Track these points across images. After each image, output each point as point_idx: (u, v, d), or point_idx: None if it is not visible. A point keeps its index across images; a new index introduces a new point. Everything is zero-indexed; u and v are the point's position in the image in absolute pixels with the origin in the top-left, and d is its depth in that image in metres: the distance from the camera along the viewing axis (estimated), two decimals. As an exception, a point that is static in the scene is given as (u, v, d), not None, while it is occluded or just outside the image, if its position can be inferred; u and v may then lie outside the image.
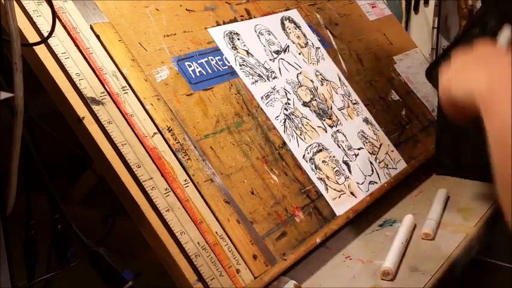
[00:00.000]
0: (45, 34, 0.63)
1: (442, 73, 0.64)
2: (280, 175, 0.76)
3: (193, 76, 0.75)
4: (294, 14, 0.96)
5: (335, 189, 0.80)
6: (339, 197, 0.80)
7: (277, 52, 0.88)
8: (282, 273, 0.68)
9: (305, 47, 0.93)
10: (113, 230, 0.66)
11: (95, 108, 0.63)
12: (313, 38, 0.95)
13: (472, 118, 0.74)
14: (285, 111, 0.82)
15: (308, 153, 0.81)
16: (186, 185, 0.65)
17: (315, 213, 0.76)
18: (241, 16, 0.87)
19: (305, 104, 0.85)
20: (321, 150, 0.82)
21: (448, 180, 0.94)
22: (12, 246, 0.53)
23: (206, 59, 0.78)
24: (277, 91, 0.83)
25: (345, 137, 0.87)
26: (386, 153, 0.92)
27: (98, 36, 0.68)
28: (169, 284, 0.62)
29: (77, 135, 0.63)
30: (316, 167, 0.80)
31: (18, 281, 0.58)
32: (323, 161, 0.81)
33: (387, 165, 0.90)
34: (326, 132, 0.85)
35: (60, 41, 0.65)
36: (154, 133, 0.66)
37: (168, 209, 0.62)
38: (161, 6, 0.78)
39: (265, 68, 0.84)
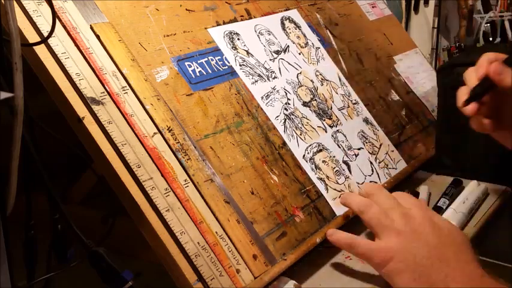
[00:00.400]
0: (45, 34, 0.63)
1: (399, 276, 0.64)
2: (280, 175, 0.76)
3: (193, 76, 0.76)
4: (294, 14, 0.96)
5: (335, 189, 0.80)
6: (339, 197, 0.80)
7: (277, 52, 0.88)
8: (282, 273, 0.68)
9: (305, 47, 0.93)
10: (113, 230, 0.66)
11: (95, 108, 0.63)
12: (313, 38, 0.95)
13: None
14: (285, 111, 0.82)
15: (308, 153, 0.81)
16: (186, 185, 0.65)
17: (315, 213, 0.76)
18: (241, 16, 0.87)
19: (305, 104, 0.85)
20: (321, 150, 0.82)
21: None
22: (12, 246, 0.53)
23: (206, 59, 0.78)
24: (277, 91, 0.83)
25: (345, 137, 0.87)
26: (387, 153, 0.92)
27: (98, 36, 0.68)
28: (169, 284, 0.62)
29: (77, 135, 0.63)
30: (316, 167, 0.80)
31: (18, 281, 0.58)
32: (323, 161, 0.82)
33: (387, 165, 0.90)
34: (326, 132, 0.85)
35: (60, 41, 0.65)
36: (154, 133, 0.66)
37: (168, 209, 0.62)
38: (161, 6, 0.78)
39: (265, 68, 0.84)
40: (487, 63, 0.72)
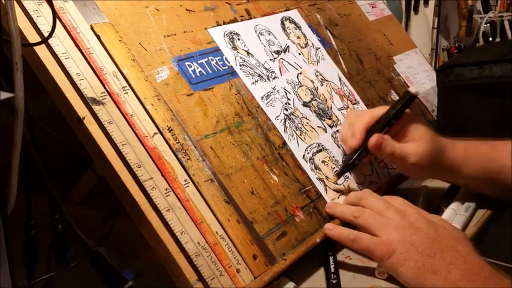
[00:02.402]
0: (46, 34, 0.63)
1: (404, 266, 0.66)
2: (280, 175, 0.76)
3: (194, 76, 0.76)
4: (294, 14, 0.96)
5: (334, 190, 0.80)
6: (338, 197, 0.80)
7: (278, 52, 0.88)
8: (282, 273, 0.68)
9: (305, 47, 0.93)
10: (113, 230, 0.66)
11: (95, 108, 0.63)
12: (313, 39, 0.95)
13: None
14: (285, 111, 0.82)
15: (308, 153, 0.81)
16: (186, 185, 0.65)
17: (315, 213, 0.76)
18: (242, 16, 0.87)
19: (305, 104, 0.85)
20: (320, 151, 0.82)
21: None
22: (12, 246, 0.53)
23: (206, 59, 0.79)
24: (278, 91, 0.83)
25: (345, 137, 0.87)
26: (386, 153, 0.92)
27: (98, 36, 0.68)
28: (169, 284, 0.62)
29: (77, 135, 0.63)
30: (316, 167, 0.80)
31: (18, 281, 0.58)
32: (323, 161, 0.82)
33: (387, 165, 0.90)
34: (326, 132, 0.85)
35: (60, 41, 0.65)
36: (155, 133, 0.66)
37: (168, 209, 0.62)
38: (161, 6, 0.78)
39: (266, 68, 0.84)
40: (360, 135, 0.80)
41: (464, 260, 0.65)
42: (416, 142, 0.79)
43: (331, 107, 0.89)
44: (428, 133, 0.80)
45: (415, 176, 0.88)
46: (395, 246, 0.67)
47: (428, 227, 0.68)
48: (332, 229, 0.73)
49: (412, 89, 0.82)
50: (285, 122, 0.81)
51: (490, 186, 0.82)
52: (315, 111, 0.86)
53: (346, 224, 0.75)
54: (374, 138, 0.78)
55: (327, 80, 0.92)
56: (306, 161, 0.80)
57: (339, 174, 0.82)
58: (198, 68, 0.77)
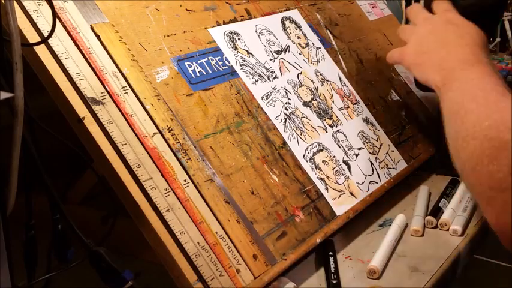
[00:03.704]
0: (46, 34, 0.63)
1: (404, 54, 0.82)
2: (280, 175, 0.76)
3: (194, 76, 0.76)
4: (294, 14, 0.96)
5: (335, 189, 0.80)
6: (339, 197, 0.80)
7: (278, 52, 0.88)
8: (282, 273, 0.68)
9: (305, 47, 0.93)
10: (112, 230, 0.66)
11: (95, 108, 0.63)
12: (313, 38, 0.95)
13: None
14: (285, 111, 0.82)
15: (308, 153, 0.81)
16: (186, 185, 0.65)
17: (315, 213, 0.76)
18: (242, 16, 0.87)
19: (305, 104, 0.85)
20: (321, 150, 0.82)
21: (448, 180, 0.94)
22: (12, 246, 0.53)
23: (206, 59, 0.78)
24: (278, 91, 0.83)
25: (345, 137, 0.87)
26: (387, 153, 0.92)
27: (98, 36, 0.68)
28: (169, 284, 0.62)
29: (77, 135, 0.63)
30: (316, 167, 0.80)
31: (18, 281, 0.58)
32: (323, 161, 0.81)
33: (387, 165, 0.90)
34: (326, 132, 0.85)
35: (60, 41, 0.65)
36: (155, 133, 0.66)
37: (168, 209, 0.62)
38: (161, 6, 0.78)
39: (266, 68, 0.84)
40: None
41: (456, 55, 0.72)
42: None
43: (332, 107, 0.89)
44: None
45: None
46: (409, 42, 0.82)
47: (441, 25, 0.79)
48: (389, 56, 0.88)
49: None
50: (285, 121, 0.81)
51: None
52: (315, 111, 0.86)
53: None
54: None
55: (327, 80, 0.92)
56: (307, 161, 0.80)
57: None
58: (198, 68, 0.77)
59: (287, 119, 0.81)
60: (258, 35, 0.87)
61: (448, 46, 0.74)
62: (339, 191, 0.80)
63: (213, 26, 0.83)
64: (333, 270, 0.71)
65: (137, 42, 0.72)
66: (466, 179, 0.61)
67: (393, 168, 0.90)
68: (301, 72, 0.89)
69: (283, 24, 0.92)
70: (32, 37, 0.63)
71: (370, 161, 0.88)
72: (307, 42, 0.94)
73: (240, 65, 0.81)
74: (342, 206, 0.79)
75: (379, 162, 0.89)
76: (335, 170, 0.82)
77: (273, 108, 0.81)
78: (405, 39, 0.84)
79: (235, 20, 0.86)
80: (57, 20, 0.65)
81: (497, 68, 1.09)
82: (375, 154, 0.89)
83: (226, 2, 0.87)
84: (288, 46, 0.90)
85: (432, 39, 0.78)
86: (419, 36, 0.81)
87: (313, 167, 0.80)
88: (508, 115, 0.57)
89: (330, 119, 0.87)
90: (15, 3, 0.57)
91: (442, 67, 0.72)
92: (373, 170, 0.87)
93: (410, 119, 1.02)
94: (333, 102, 0.90)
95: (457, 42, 0.74)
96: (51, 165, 0.62)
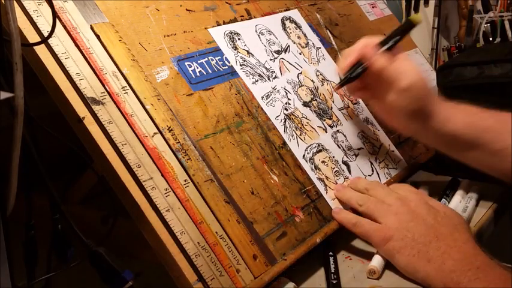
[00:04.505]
0: (46, 34, 0.63)
1: (385, 240, 0.70)
2: (280, 175, 0.76)
3: (194, 76, 0.76)
4: (294, 14, 0.96)
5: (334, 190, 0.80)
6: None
7: (278, 52, 0.88)
8: (282, 273, 0.68)
9: (306, 47, 0.93)
10: (112, 230, 0.66)
11: (95, 108, 0.63)
12: (313, 38, 0.95)
13: None
14: (285, 111, 0.82)
15: (308, 153, 0.81)
16: (186, 185, 0.65)
17: (315, 213, 0.76)
18: (242, 16, 0.87)
19: (305, 104, 0.85)
20: (320, 151, 0.82)
21: (448, 180, 0.94)
22: (12, 246, 0.53)
23: (206, 59, 0.78)
24: (278, 91, 0.83)
25: (345, 137, 0.87)
26: (387, 153, 0.92)
27: (98, 36, 0.68)
28: (169, 284, 0.62)
29: (77, 135, 0.63)
30: (316, 167, 0.80)
31: (18, 281, 0.58)
32: (322, 162, 0.81)
33: (387, 165, 0.90)
34: (326, 132, 0.85)
35: (60, 41, 0.65)
36: (155, 133, 0.66)
37: (168, 209, 0.62)
38: (161, 6, 0.78)
39: (266, 68, 0.84)
40: (360, 48, 0.81)
41: (458, 249, 0.66)
42: (413, 67, 0.78)
43: (332, 107, 0.89)
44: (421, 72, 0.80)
45: (399, 119, 0.82)
46: (392, 232, 0.69)
47: (427, 213, 0.70)
48: (338, 212, 0.76)
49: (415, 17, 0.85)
50: (285, 122, 0.81)
51: (471, 150, 0.78)
52: (315, 111, 0.86)
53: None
54: (369, 47, 0.79)
55: (327, 80, 0.92)
56: (306, 161, 0.80)
57: (339, 86, 0.84)
58: (198, 68, 0.77)
59: (287, 119, 0.81)
60: (258, 35, 0.87)
61: (445, 245, 0.67)
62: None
63: (213, 26, 0.83)
64: (333, 270, 0.71)
65: (137, 42, 0.72)
66: None
67: (393, 168, 0.90)
68: (301, 72, 0.89)
69: (283, 24, 0.92)
70: (32, 37, 0.63)
71: (370, 161, 0.88)
72: (308, 42, 0.94)
73: (240, 65, 0.81)
74: (342, 206, 0.79)
75: (379, 162, 0.89)
76: (334, 170, 0.82)
77: (273, 108, 0.81)
78: (376, 216, 0.72)
79: (235, 20, 0.86)
80: (57, 20, 0.65)
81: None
82: (375, 154, 0.89)
83: (226, 2, 0.87)
84: (288, 46, 0.90)
85: (423, 231, 0.69)
86: (402, 221, 0.70)
87: (313, 168, 0.80)
88: None
89: (330, 119, 0.87)
90: (15, 3, 0.57)
91: (445, 277, 0.64)
92: (373, 170, 0.87)
93: (410, 119, 1.02)
94: (333, 102, 0.90)
95: (455, 238, 0.68)
96: (51, 165, 0.62)
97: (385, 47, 0.80)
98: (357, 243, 0.79)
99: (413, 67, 0.79)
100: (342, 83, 0.83)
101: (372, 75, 0.80)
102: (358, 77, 0.81)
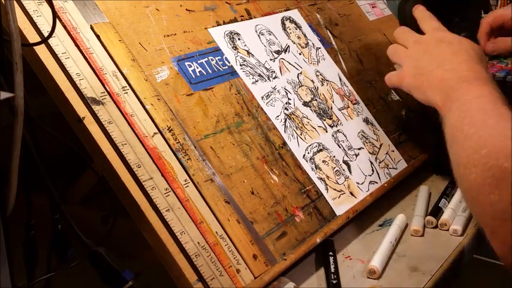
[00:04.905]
0: (46, 34, 0.63)
1: (402, 77, 0.79)
2: (280, 175, 0.76)
3: (194, 76, 0.76)
4: (294, 14, 0.96)
5: (335, 189, 0.80)
6: (339, 197, 0.80)
7: (278, 52, 0.88)
8: (282, 273, 0.68)
9: (306, 47, 0.93)
10: (112, 230, 0.66)
11: (95, 108, 0.63)
12: (313, 38, 0.95)
13: None
14: (285, 111, 0.82)
15: (308, 153, 0.81)
16: (186, 185, 0.65)
17: (315, 213, 0.76)
18: (242, 16, 0.87)
19: (305, 104, 0.85)
20: (321, 150, 0.82)
21: (448, 180, 0.94)
22: (12, 246, 0.53)
23: (206, 59, 0.78)
24: (278, 91, 0.83)
25: (345, 136, 0.87)
26: (387, 153, 0.92)
27: (98, 36, 0.68)
28: (169, 284, 0.62)
29: (77, 135, 0.63)
30: (316, 167, 0.80)
31: (18, 281, 0.58)
32: (323, 161, 0.81)
33: (387, 165, 0.90)
34: (326, 132, 0.85)
35: (60, 41, 0.65)
36: (155, 133, 0.66)
37: (168, 209, 0.62)
38: (161, 6, 0.78)
39: (266, 68, 0.84)
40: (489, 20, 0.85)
41: (453, 68, 0.71)
42: None
43: (332, 107, 0.89)
44: None
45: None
46: (404, 64, 0.79)
47: (434, 44, 0.77)
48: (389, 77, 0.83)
49: None
50: (285, 121, 0.81)
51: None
52: (315, 111, 0.86)
53: None
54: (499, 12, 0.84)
55: (327, 80, 0.92)
56: (307, 161, 0.80)
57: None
58: (198, 68, 0.77)
59: (287, 119, 0.81)
60: (258, 35, 0.87)
61: (444, 65, 0.72)
62: (339, 191, 0.80)
63: (213, 26, 0.83)
64: (333, 270, 0.71)
65: (137, 42, 0.72)
66: (470, 207, 0.59)
67: (393, 168, 0.90)
68: (301, 72, 0.89)
69: (283, 24, 0.92)
70: (32, 37, 0.63)
71: (370, 161, 0.88)
72: (307, 42, 0.94)
73: (240, 65, 0.81)
74: (342, 206, 0.79)
75: (379, 162, 0.89)
76: (335, 170, 0.82)
77: (273, 108, 0.81)
78: (399, 62, 0.81)
79: (235, 20, 0.86)
80: (57, 20, 0.65)
81: (498, 68, 1.09)
82: (375, 154, 0.89)
83: (226, 2, 0.87)
84: (288, 46, 0.90)
85: (427, 59, 0.75)
86: (413, 58, 0.78)
87: (313, 167, 0.80)
88: (506, 141, 0.54)
89: (330, 119, 0.87)
90: (15, 3, 0.57)
91: (441, 87, 0.70)
92: (373, 170, 0.87)
93: (410, 118, 1.02)
94: (333, 102, 0.90)
95: (452, 59, 0.72)
96: (51, 165, 0.62)
97: None
98: (357, 243, 0.79)
99: None
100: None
101: None
102: None
